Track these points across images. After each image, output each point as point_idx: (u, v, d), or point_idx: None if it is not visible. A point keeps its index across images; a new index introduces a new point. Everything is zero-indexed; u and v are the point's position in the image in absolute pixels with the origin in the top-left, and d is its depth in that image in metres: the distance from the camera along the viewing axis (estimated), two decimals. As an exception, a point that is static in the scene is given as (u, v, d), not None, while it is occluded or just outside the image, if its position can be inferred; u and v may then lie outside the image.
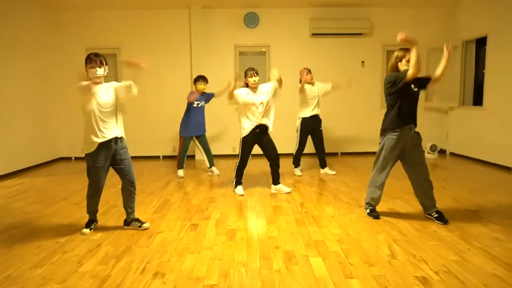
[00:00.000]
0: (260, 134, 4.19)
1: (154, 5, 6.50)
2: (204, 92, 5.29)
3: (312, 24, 6.60)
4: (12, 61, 5.55)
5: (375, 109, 7.00)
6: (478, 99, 6.27)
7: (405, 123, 3.12)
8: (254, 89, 4.19)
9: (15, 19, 5.63)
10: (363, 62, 6.89)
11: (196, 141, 5.37)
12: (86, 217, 3.45)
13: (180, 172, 5.31)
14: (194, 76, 6.61)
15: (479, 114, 6.01)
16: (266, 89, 4.21)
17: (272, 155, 4.26)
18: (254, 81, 4.16)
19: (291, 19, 6.76)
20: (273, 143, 4.27)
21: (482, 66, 6.06)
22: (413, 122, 3.16)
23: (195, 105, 5.17)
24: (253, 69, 4.22)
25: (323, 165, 5.31)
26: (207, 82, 5.28)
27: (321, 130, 5.20)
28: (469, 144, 6.28)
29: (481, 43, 6.20)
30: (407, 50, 3.00)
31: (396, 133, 3.14)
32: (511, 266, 2.35)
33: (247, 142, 4.20)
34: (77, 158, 6.91)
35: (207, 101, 5.33)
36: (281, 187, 4.33)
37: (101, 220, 3.37)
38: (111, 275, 2.32)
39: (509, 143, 5.30)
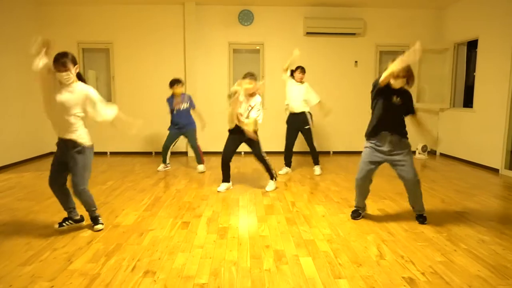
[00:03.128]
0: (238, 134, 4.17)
1: (148, 0, 6.44)
2: (183, 94, 5.32)
3: (306, 23, 6.61)
4: None
5: (367, 108, 6.99)
6: (468, 101, 6.36)
7: (380, 133, 3.14)
8: (246, 96, 4.08)
9: (1, 14, 5.52)
10: (356, 62, 6.93)
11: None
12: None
13: (160, 167, 5.50)
14: (188, 73, 6.63)
15: (469, 116, 6.10)
16: (252, 105, 4.07)
17: None
18: (246, 88, 4.01)
19: (285, 18, 6.76)
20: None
21: (473, 69, 6.15)
22: (391, 132, 3.10)
23: (177, 107, 5.28)
24: (248, 75, 4.08)
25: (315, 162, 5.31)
26: (183, 84, 5.33)
27: (307, 128, 5.06)
28: (458, 145, 6.38)
29: (472, 45, 6.28)
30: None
31: (372, 142, 3.19)
32: (495, 268, 2.41)
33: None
34: (67, 153, 6.83)
35: (191, 103, 5.35)
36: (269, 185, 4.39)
37: (92, 217, 3.35)
38: (101, 273, 2.31)
39: (497, 145, 5.39)
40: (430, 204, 3.78)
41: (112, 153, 6.90)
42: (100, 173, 5.28)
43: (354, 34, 6.73)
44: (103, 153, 6.88)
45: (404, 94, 3.09)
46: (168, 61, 6.74)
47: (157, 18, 6.65)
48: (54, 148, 7.54)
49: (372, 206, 3.74)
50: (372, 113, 3.23)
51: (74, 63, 2.79)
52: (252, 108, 4.07)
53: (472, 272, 2.36)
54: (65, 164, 2.90)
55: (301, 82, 5.09)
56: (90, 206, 3.04)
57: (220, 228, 3.12)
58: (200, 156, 5.43)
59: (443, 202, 3.88)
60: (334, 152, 7.12)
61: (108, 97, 6.88)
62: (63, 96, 2.77)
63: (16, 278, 2.24)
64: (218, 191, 4.27)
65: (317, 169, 5.25)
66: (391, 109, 3.08)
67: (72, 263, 2.44)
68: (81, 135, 2.88)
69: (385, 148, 3.14)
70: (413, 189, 3.19)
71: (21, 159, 5.96)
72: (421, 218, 3.26)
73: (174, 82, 5.23)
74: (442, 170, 5.64)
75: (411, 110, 3.16)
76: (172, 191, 4.32)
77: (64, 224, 3.05)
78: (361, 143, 7.04)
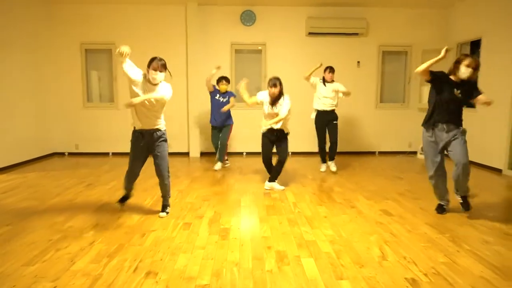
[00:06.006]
0: (275, 137, 4.35)
1: (150, 0, 6.45)
2: (227, 91, 5.51)
3: (308, 23, 6.60)
4: (3, 56, 5.46)
5: (370, 108, 7.04)
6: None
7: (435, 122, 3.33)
8: (272, 99, 4.25)
9: (6, 13, 5.54)
10: (358, 62, 6.91)
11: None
12: (78, 214, 3.47)
13: (217, 165, 5.63)
14: (190, 73, 6.64)
15: (471, 116, 6.05)
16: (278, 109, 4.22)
17: (279, 156, 4.41)
18: (273, 93, 4.17)
19: (287, 18, 6.75)
20: (285, 145, 4.38)
21: (476, 69, 6.11)
22: (447, 121, 3.29)
23: (219, 99, 5.47)
24: (272, 79, 4.20)
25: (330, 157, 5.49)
26: (228, 82, 5.51)
27: (335, 123, 5.35)
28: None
29: (475, 45, 6.24)
30: (467, 56, 3.24)
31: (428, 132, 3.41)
32: (498, 269, 2.40)
33: (262, 140, 4.44)
34: (70, 154, 6.87)
35: (229, 98, 5.51)
36: (274, 185, 4.40)
37: (94, 217, 3.36)
38: (103, 274, 2.32)
39: (500, 146, 5.36)
40: (433, 204, 3.76)
41: (114, 154, 6.92)
42: (103, 173, 5.30)
43: (357, 34, 6.72)
44: (105, 154, 6.90)
45: (466, 86, 3.26)
46: (170, 61, 6.59)
47: (160, 18, 6.67)
48: (58, 149, 7.53)
49: (374, 207, 3.73)
50: (431, 104, 3.39)
51: (165, 68, 3.27)
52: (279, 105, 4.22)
53: (476, 273, 2.34)
54: (147, 153, 3.40)
55: (332, 81, 5.31)
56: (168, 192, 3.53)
57: (222, 229, 3.12)
58: (224, 154, 5.56)
59: (446, 203, 3.87)
60: (338, 153, 7.08)
61: (111, 98, 6.91)
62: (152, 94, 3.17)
63: (19, 278, 2.26)
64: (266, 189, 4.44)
65: (332, 165, 5.45)
66: (452, 101, 3.27)
67: (75, 264, 2.45)
68: (163, 124, 3.39)
69: (442, 136, 3.32)
70: (462, 172, 3.28)
71: (26, 159, 5.99)
72: (466, 204, 3.43)
73: (222, 79, 5.44)
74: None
75: (474, 95, 3.28)
76: (174, 191, 4.30)
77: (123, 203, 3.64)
78: (364, 143, 7.07)
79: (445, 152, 3.42)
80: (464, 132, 3.32)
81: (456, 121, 3.30)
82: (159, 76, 3.19)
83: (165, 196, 3.53)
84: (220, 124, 5.49)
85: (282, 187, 4.40)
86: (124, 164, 6.03)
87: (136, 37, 6.67)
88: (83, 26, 6.64)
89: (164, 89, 3.23)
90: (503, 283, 2.22)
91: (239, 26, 6.71)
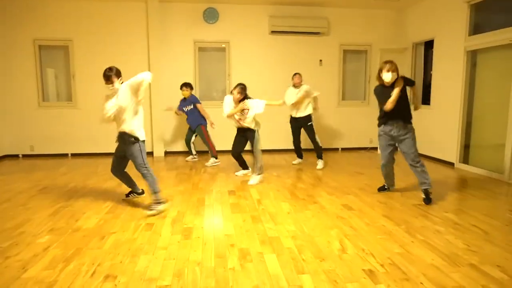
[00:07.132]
0: (242, 132, 4.73)
1: (108, -4, 6.24)
2: (192, 96, 5.92)
3: (271, 22, 6.65)
4: None
5: (332, 106, 7.21)
6: (426, 99, 6.65)
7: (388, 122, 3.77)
8: (236, 103, 4.54)
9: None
10: (321, 60, 7.06)
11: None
12: (31, 219, 3.30)
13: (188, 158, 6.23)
14: (152, 71, 6.47)
15: (427, 113, 6.38)
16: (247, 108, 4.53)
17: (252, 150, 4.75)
18: (238, 98, 4.50)
19: (250, 16, 6.76)
20: (252, 139, 4.65)
21: (430, 67, 6.44)
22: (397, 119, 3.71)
23: (184, 109, 5.97)
24: (236, 86, 4.55)
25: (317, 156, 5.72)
26: (191, 88, 5.93)
27: (310, 125, 5.54)
28: (417, 141, 6.64)
29: (429, 45, 6.56)
30: (385, 63, 3.57)
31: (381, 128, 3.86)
32: (447, 256, 2.54)
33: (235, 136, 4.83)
34: (24, 156, 6.50)
35: (193, 104, 5.88)
36: (254, 177, 4.67)
37: (50, 222, 3.21)
38: (58, 280, 2.22)
39: (452, 140, 5.68)
40: (390, 197, 3.93)
41: (73, 155, 6.64)
42: (60, 175, 5.07)
43: (318, 33, 6.85)
44: (64, 155, 6.61)
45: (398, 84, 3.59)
46: (132, 59, 6.54)
47: (119, 15, 6.45)
48: (10, 151, 7.11)
49: (335, 202, 3.83)
50: (380, 106, 3.76)
51: (118, 76, 3.34)
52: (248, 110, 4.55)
53: (427, 261, 2.47)
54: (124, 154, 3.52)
55: (299, 86, 5.47)
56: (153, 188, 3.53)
57: (185, 229, 3.08)
58: (212, 151, 5.86)
59: (402, 196, 4.05)
60: (302, 149, 7.20)
61: (69, 96, 6.61)
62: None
63: (-37, 290, 2.11)
64: (236, 175, 5.03)
65: (319, 163, 5.60)
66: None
67: (26, 271, 2.33)
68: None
69: (393, 133, 3.74)
70: (412, 164, 3.79)
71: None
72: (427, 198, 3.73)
73: (181, 86, 5.88)
74: (401, 163, 5.83)
75: (410, 84, 3.68)
76: (136, 192, 4.21)
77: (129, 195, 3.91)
78: (326, 140, 7.22)
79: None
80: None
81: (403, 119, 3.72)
82: (111, 86, 3.35)
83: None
84: (193, 127, 5.97)
85: (254, 180, 4.62)
86: (83, 166, 5.83)
87: (95, 34, 6.43)
88: (37, 21, 6.29)
89: (125, 87, 3.35)
90: (450, 269, 2.36)
91: (202, 24, 6.64)
